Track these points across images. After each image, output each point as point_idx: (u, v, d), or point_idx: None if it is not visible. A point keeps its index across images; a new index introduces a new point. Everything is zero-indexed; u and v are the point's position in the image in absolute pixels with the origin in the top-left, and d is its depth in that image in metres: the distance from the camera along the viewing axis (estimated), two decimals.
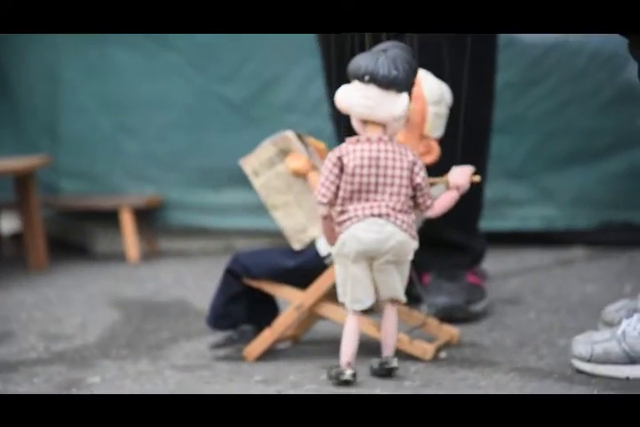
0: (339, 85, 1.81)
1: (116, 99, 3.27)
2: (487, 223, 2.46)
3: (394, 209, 1.76)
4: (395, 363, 1.82)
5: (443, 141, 1.98)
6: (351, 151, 1.75)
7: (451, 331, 2.05)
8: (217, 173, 3.19)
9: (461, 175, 1.85)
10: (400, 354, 1.95)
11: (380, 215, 1.75)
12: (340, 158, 1.76)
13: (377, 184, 1.76)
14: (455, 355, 1.99)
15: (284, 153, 1.98)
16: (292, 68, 3.11)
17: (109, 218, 3.30)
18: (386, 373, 1.84)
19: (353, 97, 1.75)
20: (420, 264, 2.26)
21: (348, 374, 1.79)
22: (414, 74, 1.76)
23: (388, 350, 1.84)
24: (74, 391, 1.87)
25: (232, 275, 2.05)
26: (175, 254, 3.28)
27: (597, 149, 2.95)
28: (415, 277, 2.10)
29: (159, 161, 3.26)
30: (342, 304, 1.84)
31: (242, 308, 2.06)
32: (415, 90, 1.87)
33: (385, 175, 1.76)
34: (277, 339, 2.03)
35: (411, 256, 1.80)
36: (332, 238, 1.80)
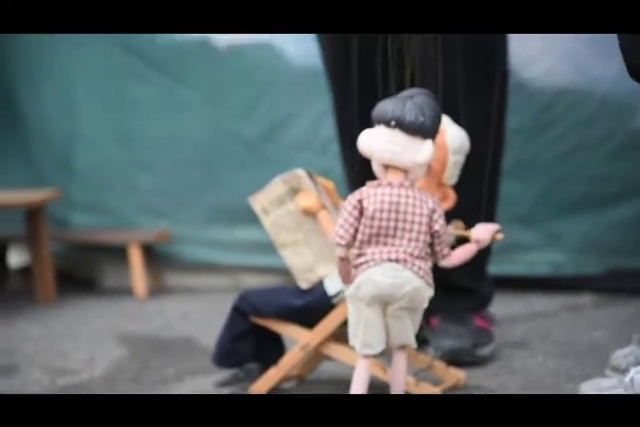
0: (347, 124, 1.81)
1: (131, 134, 3.29)
2: (495, 268, 2.46)
3: (411, 255, 1.75)
4: None
5: (456, 186, 1.99)
6: (372, 195, 1.75)
7: (457, 374, 2.04)
8: (229, 209, 3.20)
9: (485, 231, 1.85)
10: None
11: (397, 260, 1.75)
12: (360, 201, 1.75)
13: (396, 229, 1.75)
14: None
15: (295, 191, 1.99)
16: (304, 108, 3.13)
17: (118, 253, 3.31)
18: None
19: (377, 141, 1.75)
20: (427, 307, 2.27)
21: None
22: (439, 121, 1.77)
23: (396, 390, 1.83)
24: None
25: (239, 313, 2.05)
26: (183, 291, 3.28)
27: (606, 195, 2.95)
28: (422, 319, 2.10)
29: (172, 196, 3.27)
30: (351, 347, 1.83)
31: (248, 346, 2.06)
32: (438, 137, 1.88)
33: (405, 220, 1.75)
34: (283, 378, 2.02)
35: (425, 304, 1.79)
36: (347, 279, 1.79)
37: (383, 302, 1.76)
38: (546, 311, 2.79)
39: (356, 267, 1.77)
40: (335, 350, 2.00)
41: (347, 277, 1.79)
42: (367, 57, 2.22)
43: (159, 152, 3.27)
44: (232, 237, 3.23)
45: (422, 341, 2.25)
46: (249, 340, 2.06)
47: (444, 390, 1.99)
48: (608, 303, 2.86)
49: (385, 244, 1.75)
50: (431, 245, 1.78)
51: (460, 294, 2.34)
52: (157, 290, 3.28)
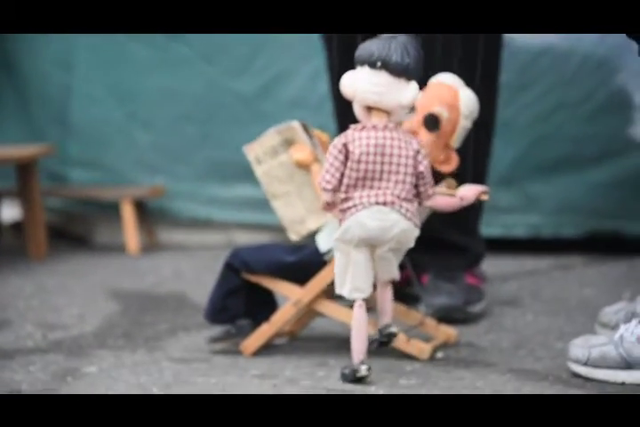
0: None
1: (128, 90, 3.27)
2: None
3: (398, 197, 1.76)
4: (394, 328, 1.82)
5: None
6: (357, 138, 1.75)
7: (448, 331, 2.05)
8: (224, 166, 3.20)
9: (471, 190, 1.85)
10: (397, 353, 1.96)
11: (384, 203, 1.75)
12: (345, 145, 1.75)
13: (382, 172, 1.75)
14: (452, 355, 1.99)
15: (289, 143, 1.98)
16: (300, 64, 3.12)
17: (111, 209, 3.31)
18: (386, 339, 1.82)
19: (362, 83, 1.74)
20: (418, 264, 2.28)
21: (363, 369, 1.79)
22: (422, 62, 1.76)
23: (385, 318, 1.83)
24: (69, 380, 1.87)
25: (231, 269, 2.05)
26: (175, 247, 3.28)
27: (586, 156, 2.93)
28: (414, 276, 2.11)
29: (168, 153, 3.26)
30: (339, 297, 1.83)
31: (240, 302, 2.06)
32: (451, 99, 1.86)
33: (390, 163, 1.75)
34: (275, 334, 2.03)
35: (412, 244, 1.80)
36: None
37: (371, 245, 1.77)
38: (536, 270, 2.80)
39: (343, 211, 1.77)
40: (327, 307, 2.00)
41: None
42: None
43: (156, 108, 3.26)
44: (227, 193, 3.23)
45: (413, 298, 2.26)
46: (241, 296, 2.06)
47: (435, 347, 2.00)
48: (598, 262, 2.87)
49: (371, 187, 1.75)
50: (416, 186, 1.78)
51: (451, 251, 2.35)
52: (150, 246, 3.29)
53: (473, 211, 2.38)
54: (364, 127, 1.75)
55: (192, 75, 3.20)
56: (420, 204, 1.82)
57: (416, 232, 1.79)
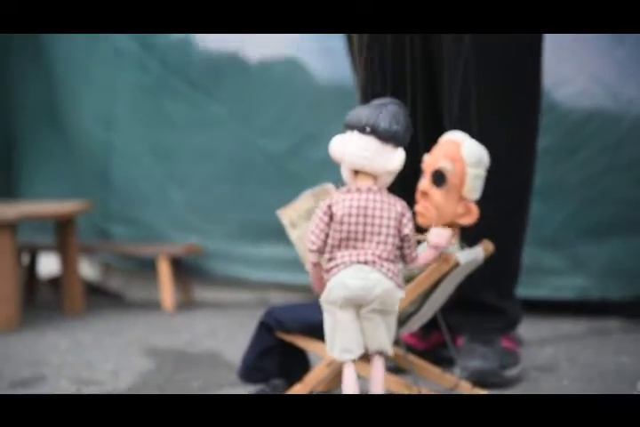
0: None
1: (165, 148, 3.32)
2: (519, 290, 2.45)
3: (380, 257, 1.77)
4: None
5: (481, 204, 1.98)
6: (340, 200, 1.78)
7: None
8: (256, 226, 3.22)
9: (440, 236, 1.85)
10: None
11: (365, 262, 1.77)
12: (329, 207, 1.79)
13: (364, 233, 1.78)
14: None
15: None
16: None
17: (147, 266, 3.33)
18: None
19: (350, 147, 1.78)
20: (453, 326, 2.26)
21: None
22: (410, 130, 1.80)
23: None
24: None
25: (265, 328, 2.05)
26: (210, 305, 3.28)
27: (634, 219, 2.93)
28: (449, 339, 2.09)
29: (202, 212, 3.29)
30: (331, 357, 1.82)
31: (274, 362, 2.06)
32: (453, 152, 1.89)
33: (372, 224, 1.78)
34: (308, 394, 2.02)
35: (397, 307, 1.80)
36: (318, 286, 1.81)
37: (356, 305, 1.77)
38: (573, 335, 2.78)
39: (328, 271, 1.79)
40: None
41: (318, 284, 1.81)
42: (400, 76, 2.23)
43: (191, 167, 3.30)
44: (259, 253, 3.24)
45: (448, 361, 2.24)
46: (275, 355, 2.06)
47: None
48: (636, 328, 2.84)
49: (354, 247, 1.77)
50: (400, 248, 1.79)
51: (487, 313, 2.33)
52: (185, 304, 3.29)
53: (508, 273, 2.38)
54: (348, 190, 1.79)
55: (225, 134, 3.25)
56: (405, 266, 1.83)
57: (400, 294, 1.79)
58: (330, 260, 1.79)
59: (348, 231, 1.77)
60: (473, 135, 1.99)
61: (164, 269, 3.22)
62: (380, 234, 1.78)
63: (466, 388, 2.03)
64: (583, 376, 2.31)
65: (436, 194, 1.90)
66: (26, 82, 3.46)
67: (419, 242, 1.88)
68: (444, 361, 2.26)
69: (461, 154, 1.92)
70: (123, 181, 3.37)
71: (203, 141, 3.28)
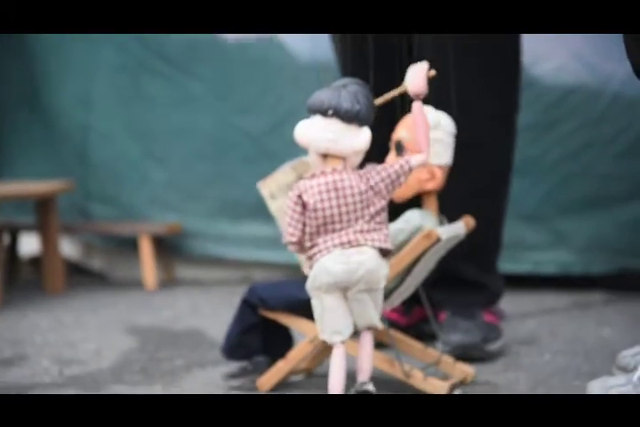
0: None
1: (144, 127, 3.30)
2: (501, 265, 2.46)
3: (362, 232, 1.78)
4: (370, 387, 1.80)
5: (462, 179, 1.98)
6: (309, 188, 1.78)
7: (465, 369, 2.04)
8: (236, 204, 3.21)
9: (416, 78, 1.81)
10: (414, 391, 1.95)
11: (349, 242, 1.77)
12: (299, 196, 1.78)
13: (340, 214, 1.78)
14: (469, 393, 1.98)
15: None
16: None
17: (128, 244, 3.32)
18: None
19: (315, 131, 1.78)
20: (435, 301, 2.27)
21: None
22: (372, 109, 1.79)
23: (362, 376, 1.82)
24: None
25: (248, 306, 2.05)
26: (192, 283, 3.28)
27: (615, 194, 2.93)
28: (431, 314, 2.10)
29: (182, 190, 3.28)
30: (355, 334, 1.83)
31: (257, 339, 2.06)
32: (410, 121, 1.89)
33: (346, 204, 1.78)
34: (291, 371, 2.02)
35: (383, 284, 1.80)
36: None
37: (341, 288, 1.78)
38: (555, 308, 2.79)
39: (310, 258, 1.79)
40: (346, 346, 2.00)
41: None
42: (383, 54, 2.22)
43: (170, 145, 3.29)
44: (239, 231, 3.23)
45: (430, 336, 2.25)
46: (258, 333, 2.06)
47: (452, 385, 1.99)
48: (619, 301, 2.85)
49: (333, 230, 1.78)
50: (397, 177, 1.77)
51: (469, 288, 2.34)
52: (167, 282, 3.29)
53: (490, 248, 2.38)
54: (314, 175, 1.78)
55: (204, 112, 3.23)
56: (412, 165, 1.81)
57: (385, 269, 1.79)
58: (311, 247, 1.79)
59: (324, 217, 1.78)
60: (453, 110, 1.99)
61: (146, 248, 3.21)
62: (355, 211, 1.78)
63: (448, 362, 2.04)
64: (565, 350, 2.32)
65: None
66: (4, 63, 3.43)
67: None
68: (427, 336, 2.27)
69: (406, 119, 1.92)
70: (101, 161, 3.35)
71: (181, 120, 3.26)
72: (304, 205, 1.78)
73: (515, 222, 2.86)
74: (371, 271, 1.78)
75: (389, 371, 1.95)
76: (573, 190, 2.96)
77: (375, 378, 1.85)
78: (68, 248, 3.44)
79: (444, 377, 2.01)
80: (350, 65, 2.29)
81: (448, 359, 2.04)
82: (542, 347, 2.36)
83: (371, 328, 1.82)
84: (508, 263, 2.77)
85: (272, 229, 3.07)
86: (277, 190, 2.02)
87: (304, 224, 1.78)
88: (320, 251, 1.78)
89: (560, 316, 2.71)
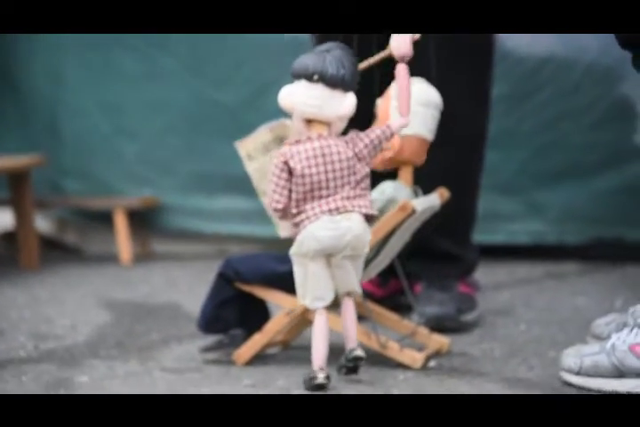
0: None
1: (115, 102, 3.28)
2: (476, 236, 2.47)
3: (348, 198, 1.78)
4: (359, 352, 1.80)
5: (435, 151, 1.98)
6: (295, 153, 1.77)
7: (441, 340, 2.05)
8: (211, 178, 3.20)
9: (401, 41, 1.81)
10: (389, 362, 1.96)
11: (336, 209, 1.77)
12: (286, 163, 1.77)
13: (327, 180, 1.78)
14: (445, 364, 1.99)
15: (280, 140, 1.99)
16: (285, 74, 3.11)
17: (103, 219, 3.31)
18: (352, 364, 1.81)
19: (299, 96, 1.77)
20: (411, 273, 2.28)
21: (321, 377, 1.79)
22: (357, 74, 1.78)
23: (351, 343, 1.82)
24: (61, 390, 1.87)
25: (224, 279, 2.05)
26: (168, 257, 3.28)
27: (589, 164, 2.95)
28: (406, 286, 2.11)
29: (155, 164, 3.27)
30: (333, 306, 1.84)
31: (233, 312, 2.06)
32: (387, 91, 1.89)
33: (334, 170, 1.78)
34: (267, 344, 2.03)
35: (367, 250, 1.81)
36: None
37: (327, 255, 1.78)
38: (530, 279, 2.81)
39: (297, 225, 1.79)
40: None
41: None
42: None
43: (142, 120, 3.27)
44: (214, 205, 3.23)
45: (406, 307, 2.26)
46: (234, 306, 2.06)
47: (428, 356, 2.00)
48: (592, 271, 2.87)
49: (320, 197, 1.78)
50: (378, 143, 1.79)
51: (444, 260, 2.35)
52: (143, 257, 3.28)
53: (465, 219, 2.39)
54: (299, 141, 1.77)
55: (177, 86, 3.21)
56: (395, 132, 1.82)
57: (369, 235, 1.80)
58: (298, 213, 1.79)
59: (312, 183, 1.77)
60: (433, 82, 1.98)
61: (121, 222, 3.20)
62: (342, 177, 1.78)
63: (423, 334, 2.05)
64: (539, 320, 2.34)
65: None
66: None
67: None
68: (403, 308, 2.28)
69: (389, 92, 1.92)
70: (74, 135, 3.33)
71: (154, 94, 3.24)
72: (290, 172, 1.77)
73: (489, 193, 2.87)
74: (357, 237, 1.78)
75: (366, 343, 1.96)
76: (547, 161, 2.97)
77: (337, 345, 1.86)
78: (42, 223, 3.42)
79: (420, 348, 2.02)
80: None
81: (423, 331, 2.05)
82: (517, 317, 2.37)
83: (351, 294, 1.83)
84: (483, 234, 2.79)
85: (248, 203, 3.07)
86: (254, 151, 2.01)
87: (290, 191, 1.78)
88: (308, 217, 1.78)
89: (534, 286, 2.73)
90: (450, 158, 2.26)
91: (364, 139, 1.79)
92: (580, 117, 2.93)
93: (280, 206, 1.78)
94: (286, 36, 3.05)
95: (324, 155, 1.77)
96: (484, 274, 2.62)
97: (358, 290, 1.83)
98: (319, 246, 1.77)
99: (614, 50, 1.92)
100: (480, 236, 2.64)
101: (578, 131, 2.94)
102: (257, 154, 2.00)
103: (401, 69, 1.80)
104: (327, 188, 1.78)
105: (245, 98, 3.17)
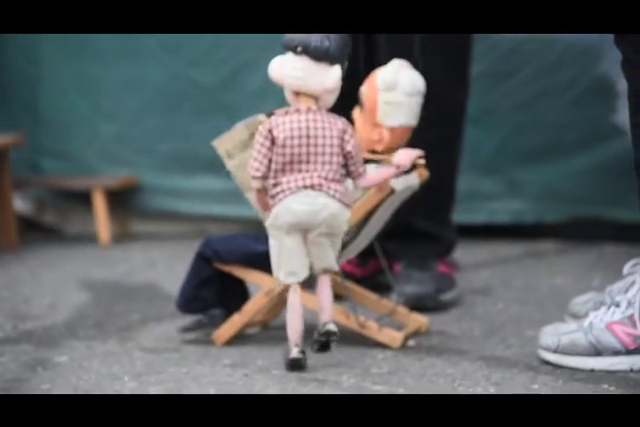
0: None
1: (92, 81, 3.26)
2: (455, 216, 2.47)
3: (326, 179, 1.77)
4: (332, 326, 1.79)
5: (415, 131, 1.98)
6: (281, 123, 1.77)
7: (419, 319, 2.06)
8: (189, 158, 3.19)
9: (405, 155, 1.85)
10: (368, 342, 1.96)
11: (312, 186, 1.77)
12: (270, 131, 1.77)
13: (308, 154, 1.77)
14: (423, 343, 2.00)
15: None
16: (264, 54, 3.09)
17: (82, 199, 3.30)
18: (324, 338, 1.80)
19: (285, 68, 1.77)
20: (390, 253, 2.28)
21: (295, 351, 1.79)
22: (346, 47, 1.78)
23: (325, 316, 1.81)
24: (40, 370, 1.87)
25: (203, 259, 2.05)
26: (147, 237, 3.27)
27: (568, 143, 2.95)
28: (385, 265, 2.11)
29: (132, 144, 3.26)
30: (276, 280, 1.83)
31: (212, 292, 2.06)
32: (372, 78, 1.88)
33: (316, 145, 1.77)
34: (246, 324, 2.03)
35: (344, 228, 1.81)
36: (265, 211, 1.81)
37: (302, 230, 1.78)
38: (508, 258, 2.82)
39: (273, 197, 1.79)
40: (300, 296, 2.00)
41: (265, 207, 1.80)
42: None
43: (120, 99, 3.25)
44: (193, 185, 3.22)
45: (385, 287, 2.26)
46: (213, 286, 2.06)
47: (407, 335, 2.00)
48: (570, 250, 2.89)
49: (299, 170, 1.77)
50: (345, 166, 1.79)
51: (423, 240, 2.35)
52: (122, 237, 3.28)
53: (444, 199, 2.39)
54: (287, 112, 1.78)
55: (154, 65, 3.19)
56: (354, 184, 1.82)
57: (347, 214, 1.80)
58: (275, 185, 1.78)
59: (292, 154, 1.76)
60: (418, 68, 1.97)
61: (99, 202, 3.19)
62: (324, 154, 1.77)
63: (403, 313, 2.05)
64: (517, 299, 2.35)
65: (358, 119, 1.92)
66: None
67: (371, 161, 1.87)
68: (382, 288, 2.28)
69: (374, 80, 1.92)
70: (51, 115, 3.31)
71: (131, 73, 3.22)
72: (273, 141, 1.77)
73: (469, 173, 2.87)
74: (334, 215, 1.78)
75: (345, 323, 1.96)
76: (527, 140, 2.98)
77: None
78: (20, 204, 3.41)
79: (399, 328, 2.02)
80: None
81: (402, 310, 2.06)
82: (496, 296, 2.38)
83: (327, 271, 1.82)
84: (462, 214, 2.79)
85: (226, 183, 3.05)
86: (233, 148, 2.01)
87: (270, 160, 1.77)
88: (283, 191, 1.77)
89: (513, 265, 2.74)
90: (429, 138, 2.26)
91: (351, 152, 1.78)
92: (559, 96, 2.93)
93: (259, 174, 1.78)
94: None
95: (307, 128, 1.76)
96: (464, 253, 2.63)
97: (335, 267, 1.82)
98: (294, 220, 1.77)
99: None
100: (460, 215, 2.64)
101: (557, 110, 2.94)
102: (236, 151, 1.99)
103: (390, 173, 1.84)
104: (307, 162, 1.77)
105: (223, 77, 3.15)
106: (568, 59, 2.90)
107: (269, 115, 1.98)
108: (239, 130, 1.99)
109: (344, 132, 1.78)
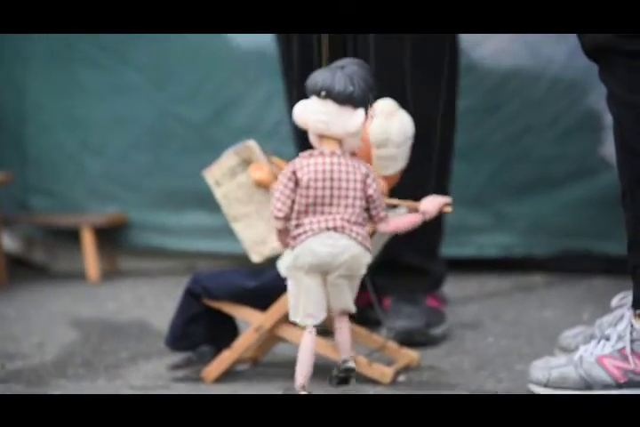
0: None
1: (79, 117, 3.27)
2: (445, 249, 2.47)
3: (348, 221, 1.77)
4: (352, 363, 1.79)
5: (407, 164, 1.99)
6: (305, 165, 1.77)
7: (410, 354, 2.06)
8: (177, 194, 3.19)
9: (433, 203, 1.86)
10: (359, 377, 1.96)
11: (335, 228, 1.77)
12: (294, 173, 1.78)
13: (331, 197, 1.77)
14: (414, 378, 2.00)
15: (247, 163, 1.99)
16: (250, 90, 3.12)
17: (70, 236, 3.29)
18: (344, 375, 1.79)
19: (309, 112, 1.78)
20: (379, 288, 2.28)
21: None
22: (371, 91, 1.79)
23: (345, 353, 1.81)
24: None
25: (192, 295, 2.04)
26: (136, 274, 3.26)
27: (556, 176, 2.96)
28: (375, 300, 2.11)
29: (120, 181, 3.26)
30: (295, 323, 1.83)
31: (201, 329, 2.05)
32: (365, 129, 1.89)
33: (339, 188, 1.78)
34: (236, 360, 2.02)
35: (364, 271, 1.81)
36: (287, 246, 1.81)
37: (322, 271, 1.78)
38: (498, 291, 2.82)
39: (295, 238, 1.78)
40: (289, 332, 2.00)
41: (285, 246, 1.81)
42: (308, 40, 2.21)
43: (107, 136, 3.25)
44: (181, 221, 3.22)
45: (375, 322, 2.26)
46: (202, 322, 2.05)
47: (397, 370, 2.00)
48: (560, 283, 2.89)
49: (322, 213, 1.77)
50: (367, 209, 1.79)
51: (411, 274, 2.35)
52: (110, 274, 3.27)
53: (433, 233, 2.40)
54: (311, 154, 1.78)
55: (141, 101, 3.20)
56: (375, 229, 1.83)
57: (368, 257, 1.80)
58: (297, 226, 1.78)
59: (315, 196, 1.77)
60: (409, 107, 1.98)
61: (88, 240, 3.19)
62: (347, 197, 1.77)
63: (393, 348, 2.05)
64: (507, 332, 2.35)
65: None
66: None
67: (394, 206, 1.88)
68: (372, 322, 2.28)
69: (367, 134, 1.92)
70: (39, 152, 3.31)
71: (118, 109, 3.23)
72: (297, 183, 1.77)
73: (457, 206, 2.85)
74: (354, 257, 1.77)
75: (333, 357, 1.95)
76: (515, 173, 2.99)
77: (319, 365, 1.85)
78: (9, 241, 3.40)
79: (389, 363, 2.02)
80: (297, 67, 2.29)
81: (392, 345, 2.05)
82: (485, 330, 2.38)
83: (345, 312, 1.82)
84: (451, 247, 2.79)
85: (215, 219, 3.06)
86: (221, 176, 2.01)
87: (293, 202, 1.78)
88: (305, 231, 1.77)
89: (502, 299, 2.74)
90: (417, 173, 2.27)
91: (373, 195, 1.79)
92: (547, 130, 2.95)
93: (281, 215, 1.77)
94: (253, 51, 3.05)
95: (332, 171, 1.77)
96: (453, 287, 2.63)
97: (353, 309, 1.81)
98: (315, 261, 1.76)
99: (579, 62, 1.95)
100: (448, 249, 2.65)
101: (545, 143, 2.96)
102: (224, 179, 2.00)
103: (415, 220, 1.83)
104: (330, 204, 1.77)
105: (210, 114, 3.16)
106: (554, 93, 2.92)
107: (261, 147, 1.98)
108: (228, 157, 2.00)
109: (367, 176, 1.78)
